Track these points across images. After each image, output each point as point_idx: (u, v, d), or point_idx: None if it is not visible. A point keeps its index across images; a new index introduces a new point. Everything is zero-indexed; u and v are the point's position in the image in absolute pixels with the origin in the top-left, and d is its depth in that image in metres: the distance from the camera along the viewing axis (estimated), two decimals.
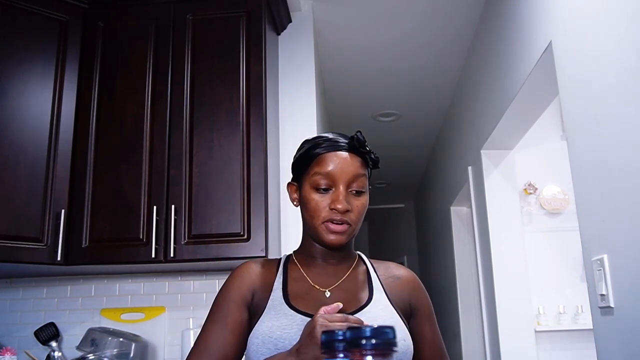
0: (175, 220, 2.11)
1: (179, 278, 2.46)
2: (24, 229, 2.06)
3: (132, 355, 2.20)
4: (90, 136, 2.24)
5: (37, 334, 2.30)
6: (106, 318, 2.41)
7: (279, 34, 2.74)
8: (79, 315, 2.44)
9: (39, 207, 2.10)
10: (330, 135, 1.15)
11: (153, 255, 2.08)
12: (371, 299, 1.11)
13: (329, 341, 0.57)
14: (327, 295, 1.11)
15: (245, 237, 2.08)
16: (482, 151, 3.05)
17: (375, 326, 0.56)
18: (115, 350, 2.18)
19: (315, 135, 1.23)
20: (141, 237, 2.12)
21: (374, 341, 0.55)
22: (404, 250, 7.04)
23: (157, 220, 2.11)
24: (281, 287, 1.12)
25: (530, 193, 3.17)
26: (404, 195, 6.76)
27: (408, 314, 1.16)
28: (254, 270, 1.15)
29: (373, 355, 0.55)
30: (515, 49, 2.37)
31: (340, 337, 0.57)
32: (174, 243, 2.09)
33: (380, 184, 6.21)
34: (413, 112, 4.21)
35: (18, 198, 2.07)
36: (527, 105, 2.46)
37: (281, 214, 2.48)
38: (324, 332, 0.59)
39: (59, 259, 2.08)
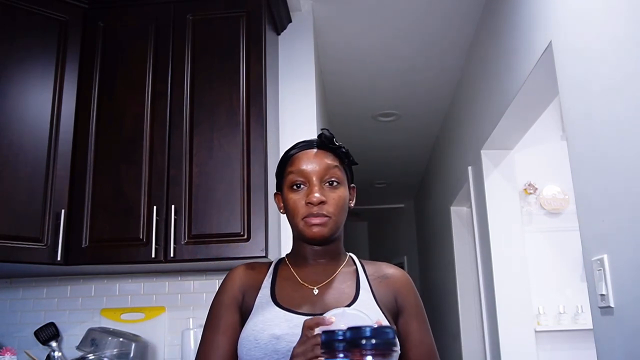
0: (175, 220, 2.11)
1: (179, 278, 2.46)
2: (24, 229, 2.06)
3: (132, 355, 2.20)
4: (90, 136, 2.24)
5: (37, 334, 2.30)
6: (106, 318, 2.41)
7: (279, 34, 2.73)
8: (79, 315, 2.44)
9: (39, 207, 2.10)
10: (305, 139, 1.21)
11: (153, 255, 2.08)
12: (357, 298, 1.12)
13: (329, 341, 0.57)
14: (315, 293, 1.12)
15: (245, 237, 2.08)
16: (482, 151, 3.05)
17: (375, 326, 0.56)
18: (115, 350, 2.18)
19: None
20: (141, 237, 2.12)
21: (374, 341, 0.55)
22: (404, 250, 7.04)
23: (157, 220, 2.11)
24: (269, 285, 1.14)
25: (530, 193, 3.16)
26: (404, 195, 6.76)
27: (395, 313, 1.15)
28: (245, 272, 1.19)
29: (373, 355, 0.55)
30: (515, 49, 2.37)
31: (340, 337, 0.57)
32: (174, 243, 2.09)
33: (380, 184, 6.20)
34: (413, 112, 4.21)
35: (18, 198, 2.07)
36: (527, 105, 2.46)
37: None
38: (324, 332, 0.59)
39: (59, 259, 2.08)
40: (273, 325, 1.05)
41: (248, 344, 1.05)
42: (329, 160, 1.15)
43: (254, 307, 1.11)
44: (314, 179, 1.13)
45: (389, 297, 1.16)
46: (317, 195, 1.10)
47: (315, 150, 1.16)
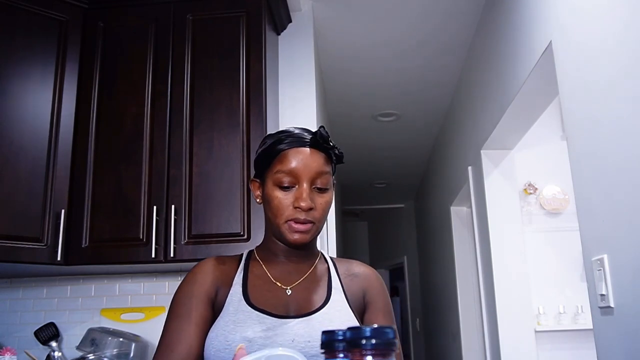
0: (175, 220, 2.11)
1: (179, 278, 2.46)
2: (24, 229, 2.06)
3: (132, 355, 2.20)
4: (90, 136, 2.24)
5: (37, 334, 2.30)
6: (106, 318, 2.41)
7: (279, 34, 2.74)
8: (79, 315, 2.44)
9: (39, 207, 2.10)
10: (293, 130, 1.12)
11: (153, 255, 2.08)
12: (329, 299, 1.09)
13: (329, 341, 0.57)
14: (288, 293, 1.09)
15: (245, 237, 2.08)
16: (482, 151, 3.05)
17: (376, 326, 0.56)
18: (115, 350, 2.18)
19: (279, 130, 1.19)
20: (141, 237, 2.12)
21: (374, 341, 0.55)
22: (404, 250, 7.04)
23: (157, 220, 2.11)
24: (241, 282, 1.09)
25: (530, 193, 3.17)
26: (404, 195, 6.76)
27: (362, 309, 1.13)
28: (216, 267, 1.11)
29: (373, 355, 0.55)
30: (515, 49, 2.37)
31: (340, 337, 0.57)
32: (174, 243, 2.09)
33: (380, 184, 6.21)
34: (413, 112, 4.21)
35: (18, 198, 2.07)
36: (527, 105, 2.46)
37: None
38: (324, 332, 0.59)
39: (59, 259, 2.08)
40: (245, 326, 1.00)
41: (218, 345, 1.00)
42: (322, 163, 1.08)
43: (225, 305, 1.05)
44: (305, 182, 1.06)
45: (358, 294, 1.14)
46: (307, 201, 1.05)
47: (308, 150, 1.08)
